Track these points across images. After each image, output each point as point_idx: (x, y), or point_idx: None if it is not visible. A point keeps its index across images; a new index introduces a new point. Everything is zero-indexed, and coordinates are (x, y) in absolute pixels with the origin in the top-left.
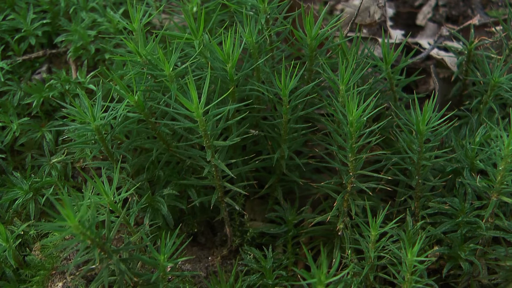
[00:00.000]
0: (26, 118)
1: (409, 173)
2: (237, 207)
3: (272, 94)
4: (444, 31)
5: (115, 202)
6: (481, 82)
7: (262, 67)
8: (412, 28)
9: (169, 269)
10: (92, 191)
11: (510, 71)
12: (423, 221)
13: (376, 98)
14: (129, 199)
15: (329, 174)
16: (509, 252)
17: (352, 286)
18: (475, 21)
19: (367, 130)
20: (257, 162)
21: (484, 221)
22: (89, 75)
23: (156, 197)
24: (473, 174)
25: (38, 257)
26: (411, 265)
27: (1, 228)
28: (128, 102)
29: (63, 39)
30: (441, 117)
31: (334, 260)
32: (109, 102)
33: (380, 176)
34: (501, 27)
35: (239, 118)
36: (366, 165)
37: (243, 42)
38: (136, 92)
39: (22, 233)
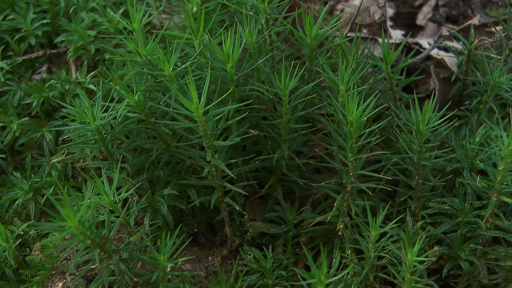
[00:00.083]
0: (26, 118)
1: (409, 173)
2: (237, 207)
3: (272, 94)
4: (444, 31)
5: (115, 202)
6: (481, 82)
7: (262, 67)
8: (412, 28)
9: (169, 269)
10: (92, 191)
11: (510, 71)
12: (423, 221)
13: (376, 98)
14: (129, 199)
15: (329, 174)
16: (509, 252)
17: (352, 286)
18: (475, 21)
19: (367, 130)
20: (257, 162)
21: (484, 221)
22: (89, 75)
23: (156, 197)
24: (473, 174)
25: (38, 257)
26: (411, 265)
27: (1, 228)
28: (128, 102)
29: (63, 39)
30: (441, 117)
31: (334, 260)
32: (109, 102)
33: (380, 176)
34: (501, 27)
35: (239, 118)
36: (366, 165)
37: (243, 42)
38: (136, 92)
39: (22, 233)
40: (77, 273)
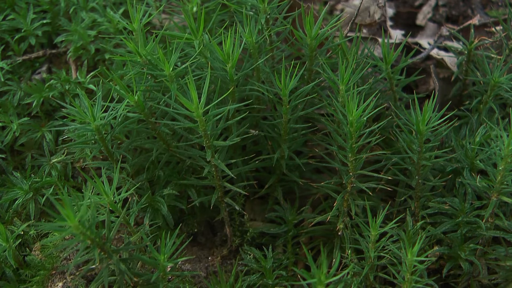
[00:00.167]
0: (26, 118)
1: (409, 173)
2: (237, 207)
3: (272, 94)
4: (444, 31)
5: (115, 202)
6: (481, 82)
7: (262, 67)
8: (412, 28)
9: (169, 269)
10: (92, 191)
11: (510, 71)
12: (423, 221)
13: (376, 98)
14: (129, 199)
15: (329, 174)
16: (509, 252)
17: (352, 286)
18: (475, 21)
19: (367, 130)
20: (257, 162)
21: (484, 221)
22: (89, 75)
23: (156, 197)
24: (473, 174)
25: (38, 257)
26: (411, 265)
27: (1, 228)
28: (128, 102)
29: (63, 39)
30: (441, 117)
31: (334, 260)
32: (109, 102)
33: (380, 176)
34: (501, 27)
35: (239, 118)
36: (366, 165)
37: (243, 42)
38: (136, 92)
39: (22, 233)
40: (77, 273)
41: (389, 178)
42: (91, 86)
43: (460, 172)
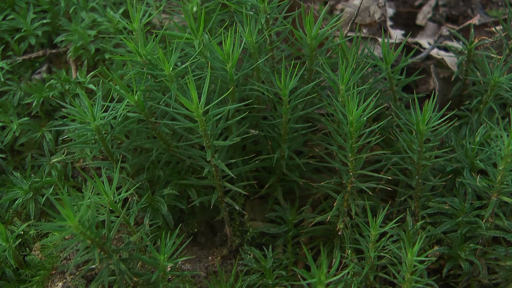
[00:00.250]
0: (26, 118)
1: (409, 173)
2: (237, 207)
3: (272, 94)
4: (444, 31)
5: (115, 202)
6: (481, 82)
7: (262, 67)
8: (412, 28)
9: (169, 269)
10: (92, 191)
11: (510, 71)
12: (423, 221)
13: (376, 98)
14: (129, 199)
15: (329, 174)
16: (509, 252)
17: (352, 286)
18: (475, 21)
19: (367, 130)
20: (257, 162)
21: (484, 221)
22: (89, 75)
23: (156, 197)
24: (473, 174)
25: (38, 257)
26: (411, 265)
27: (1, 228)
28: (128, 102)
29: (63, 39)
30: (441, 117)
31: (334, 260)
32: (109, 102)
33: (380, 176)
34: (501, 27)
35: (239, 118)
36: (366, 165)
37: (243, 42)
38: (136, 92)
39: (22, 233)
40: (77, 273)
41: (389, 178)
42: (91, 86)
43: (460, 172)
